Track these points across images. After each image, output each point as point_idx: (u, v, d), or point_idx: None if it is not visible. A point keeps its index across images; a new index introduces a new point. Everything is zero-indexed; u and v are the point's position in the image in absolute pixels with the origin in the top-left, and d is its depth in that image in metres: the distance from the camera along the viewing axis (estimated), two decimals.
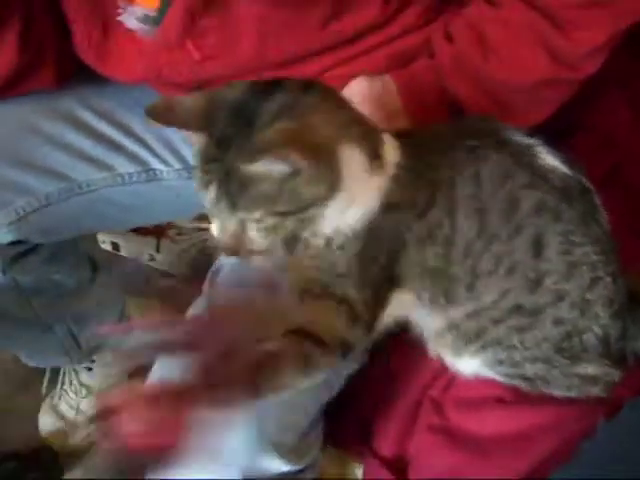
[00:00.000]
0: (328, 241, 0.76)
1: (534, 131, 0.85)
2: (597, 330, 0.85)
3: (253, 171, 0.69)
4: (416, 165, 0.78)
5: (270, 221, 0.71)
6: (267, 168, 0.68)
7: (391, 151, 0.77)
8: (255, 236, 0.73)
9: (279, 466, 0.83)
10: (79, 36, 1.01)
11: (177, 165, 1.14)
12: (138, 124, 1.13)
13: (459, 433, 0.96)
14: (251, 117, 0.70)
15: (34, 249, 1.18)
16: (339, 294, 0.76)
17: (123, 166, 1.11)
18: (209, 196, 0.71)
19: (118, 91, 1.12)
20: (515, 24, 0.91)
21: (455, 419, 0.97)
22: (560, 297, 0.82)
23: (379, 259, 0.77)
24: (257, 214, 0.71)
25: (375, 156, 0.75)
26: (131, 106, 1.13)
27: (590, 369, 0.87)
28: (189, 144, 1.13)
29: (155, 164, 1.13)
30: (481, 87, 0.93)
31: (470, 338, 0.85)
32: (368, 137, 0.75)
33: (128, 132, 1.12)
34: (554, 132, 0.87)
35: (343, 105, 0.76)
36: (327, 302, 0.76)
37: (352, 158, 0.73)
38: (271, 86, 0.73)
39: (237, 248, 0.73)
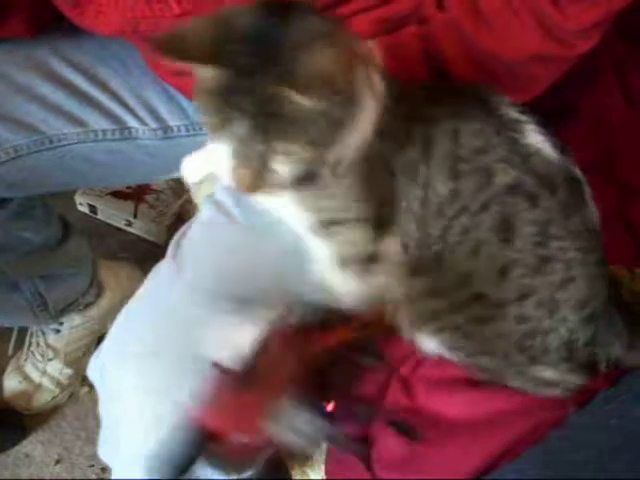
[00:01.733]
0: (333, 168, 0.72)
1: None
2: (563, 333, 0.81)
3: (300, 100, 0.63)
4: (399, 101, 0.74)
5: (303, 152, 0.66)
6: (318, 97, 0.63)
7: (380, 82, 0.73)
8: (280, 169, 0.68)
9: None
10: None
11: (154, 124, 1.11)
12: (115, 80, 1.10)
13: (427, 414, 0.94)
14: (274, 44, 0.64)
15: (1, 204, 1.14)
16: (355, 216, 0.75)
17: (97, 122, 1.08)
18: (234, 131, 0.65)
19: (96, 45, 1.09)
20: None
21: (423, 399, 0.94)
22: (526, 294, 0.78)
23: (378, 188, 0.75)
24: (294, 146, 0.66)
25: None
26: (108, 61, 1.10)
27: (547, 373, 0.84)
28: (165, 102, 1.10)
29: (131, 122, 1.10)
30: (471, 58, 0.90)
31: (427, 318, 0.82)
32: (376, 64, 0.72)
33: (104, 88, 1.09)
34: (545, 113, 0.85)
35: (352, 34, 0.72)
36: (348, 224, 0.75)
37: (371, 84, 0.69)
38: (282, 10, 0.67)
39: (256, 185, 0.68)
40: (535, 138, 0.78)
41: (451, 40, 0.89)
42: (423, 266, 0.79)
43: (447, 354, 0.87)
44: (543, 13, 0.87)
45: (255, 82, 0.64)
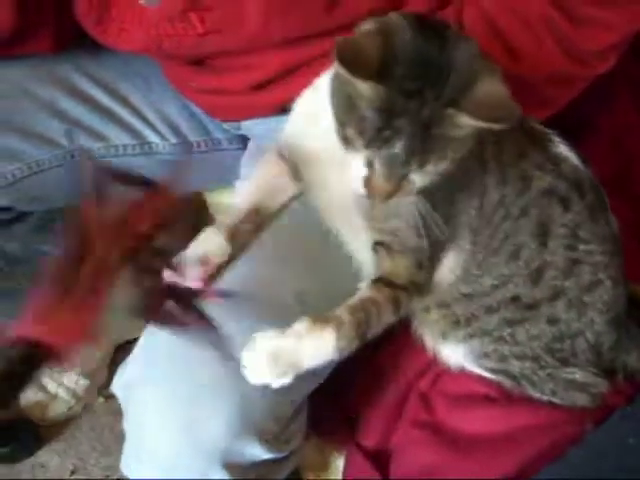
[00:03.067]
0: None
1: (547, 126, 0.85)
2: (589, 336, 0.83)
3: (467, 121, 0.66)
4: None
5: (446, 167, 0.69)
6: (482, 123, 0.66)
7: None
8: (418, 180, 0.70)
9: (260, 453, 0.81)
10: (80, 1, 0.98)
11: (174, 139, 1.12)
12: (136, 95, 1.11)
13: (445, 429, 0.95)
14: (438, 69, 0.66)
15: (21, 217, 1.16)
16: (406, 246, 0.78)
17: (118, 137, 1.10)
18: (390, 150, 0.67)
19: (117, 61, 1.10)
20: (530, 16, 0.89)
21: (442, 415, 0.95)
22: (557, 294, 0.81)
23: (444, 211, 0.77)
24: (444, 162, 0.69)
25: None
26: (130, 77, 1.12)
27: (578, 375, 0.86)
28: (186, 118, 1.12)
29: (151, 137, 1.11)
30: None
31: (459, 321, 0.84)
32: None
33: (125, 103, 1.11)
34: (564, 130, 0.86)
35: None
36: (405, 254, 0.78)
37: None
38: (438, 32, 0.69)
39: (393, 195, 0.71)
40: (562, 148, 0.82)
41: None
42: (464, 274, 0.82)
43: (472, 364, 0.89)
44: (563, 35, 0.88)
45: (421, 104, 0.65)
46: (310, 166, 0.83)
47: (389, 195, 0.70)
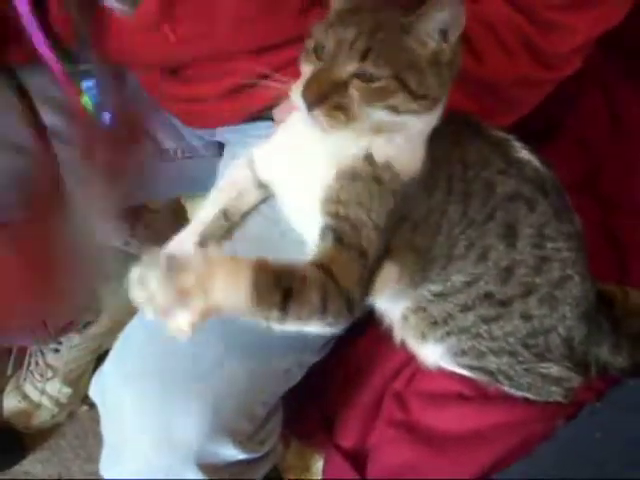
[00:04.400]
0: (382, 170, 0.75)
1: (512, 130, 0.86)
2: (562, 331, 0.86)
3: (414, 30, 0.69)
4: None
5: (386, 84, 0.70)
6: (429, 33, 0.69)
7: None
8: (354, 96, 0.70)
9: (235, 454, 0.82)
10: (55, 12, 0.99)
11: (150, 147, 1.13)
12: None
13: (421, 428, 0.96)
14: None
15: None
16: (361, 244, 0.74)
17: None
18: (343, 34, 0.70)
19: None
20: (495, 21, 0.91)
21: (417, 414, 0.97)
22: (529, 291, 0.83)
23: (394, 220, 0.77)
24: (384, 70, 0.69)
25: None
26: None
27: (553, 370, 0.88)
28: (161, 126, 1.13)
29: None
30: (458, 84, 0.93)
31: (436, 322, 0.86)
32: None
33: None
34: (531, 133, 0.88)
35: None
36: (351, 252, 0.74)
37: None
38: None
39: (323, 99, 0.70)
40: (523, 152, 0.83)
41: None
42: (429, 276, 0.83)
43: (451, 362, 0.90)
44: (527, 39, 0.90)
45: (380, 11, 0.72)
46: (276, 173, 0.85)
47: (317, 97, 0.70)
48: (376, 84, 0.70)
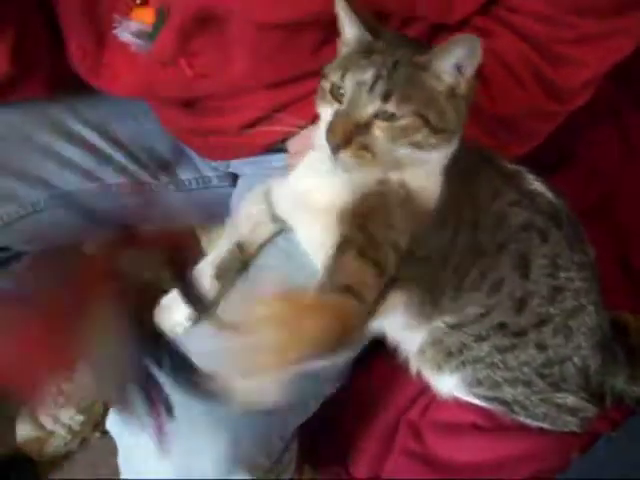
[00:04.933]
0: (408, 196, 0.76)
1: (524, 160, 0.87)
2: (576, 360, 0.86)
3: (431, 67, 0.71)
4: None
5: (409, 122, 0.72)
6: (446, 69, 0.71)
7: None
8: (379, 136, 0.72)
9: None
10: (73, 47, 1.01)
11: (165, 178, 1.14)
12: (128, 136, 1.14)
13: (435, 458, 0.97)
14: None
15: (17, 256, 1.17)
16: (379, 258, 0.74)
17: (111, 177, 1.11)
18: (362, 77, 0.72)
19: (109, 103, 1.12)
20: (508, 55, 0.93)
21: (432, 444, 0.97)
22: (543, 321, 0.83)
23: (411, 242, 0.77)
24: (405, 109, 0.71)
25: None
26: (122, 118, 1.14)
27: (569, 400, 0.88)
28: (177, 157, 1.14)
29: (143, 176, 1.13)
30: (472, 117, 0.94)
31: (451, 352, 0.86)
32: None
33: (117, 144, 1.13)
34: (543, 162, 0.89)
35: None
36: (362, 263, 0.74)
37: None
38: None
39: (348, 141, 0.72)
40: (535, 184, 0.84)
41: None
42: (441, 306, 0.83)
43: (466, 393, 0.90)
44: (539, 73, 0.91)
45: (397, 50, 0.73)
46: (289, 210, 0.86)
47: (341, 142, 0.71)
48: (399, 122, 0.72)
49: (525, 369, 0.85)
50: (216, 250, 0.88)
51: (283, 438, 0.87)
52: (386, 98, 0.71)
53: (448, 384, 0.91)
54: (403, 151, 0.73)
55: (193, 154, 1.15)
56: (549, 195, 0.84)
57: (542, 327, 0.84)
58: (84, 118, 1.13)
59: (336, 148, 0.72)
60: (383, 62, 0.72)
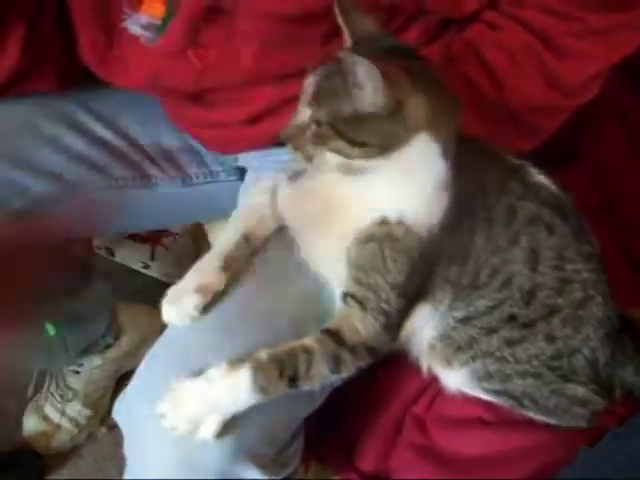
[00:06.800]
0: (396, 228, 0.77)
1: (530, 157, 0.87)
2: (586, 352, 0.86)
3: (350, 67, 0.71)
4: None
5: (323, 131, 0.74)
6: (359, 70, 0.70)
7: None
8: (307, 138, 0.75)
9: (257, 476, 0.82)
10: (83, 40, 1.01)
11: (172, 172, 1.15)
12: (136, 129, 1.14)
13: (441, 453, 0.96)
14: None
15: None
16: (382, 307, 0.79)
17: (118, 170, 1.12)
18: (308, 80, 0.77)
19: (118, 96, 1.13)
20: (515, 48, 0.93)
21: (438, 438, 0.97)
22: (552, 312, 0.84)
23: (421, 269, 0.79)
24: (323, 112, 0.73)
25: None
26: (130, 111, 1.15)
27: (579, 391, 0.87)
28: (184, 151, 1.15)
29: (150, 170, 1.14)
30: (477, 109, 0.94)
31: (461, 347, 0.86)
32: None
33: (125, 137, 1.13)
34: (549, 158, 0.89)
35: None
36: (374, 314, 0.79)
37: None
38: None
39: (294, 142, 0.77)
40: (539, 177, 0.84)
41: (458, 91, 0.93)
42: (456, 305, 0.84)
43: (474, 387, 0.90)
44: (546, 67, 0.91)
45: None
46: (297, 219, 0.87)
47: (289, 139, 0.77)
48: (318, 129, 0.74)
49: (534, 362, 0.85)
50: (221, 243, 0.88)
51: (289, 429, 0.87)
52: (311, 102, 0.75)
53: (457, 379, 0.91)
54: (328, 156, 0.75)
55: (201, 148, 1.16)
56: (553, 188, 0.84)
57: (551, 318, 0.84)
58: (93, 111, 1.13)
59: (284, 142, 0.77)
60: (326, 68, 0.75)
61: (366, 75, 0.70)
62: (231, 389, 0.76)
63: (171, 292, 0.85)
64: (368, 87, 0.70)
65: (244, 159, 1.13)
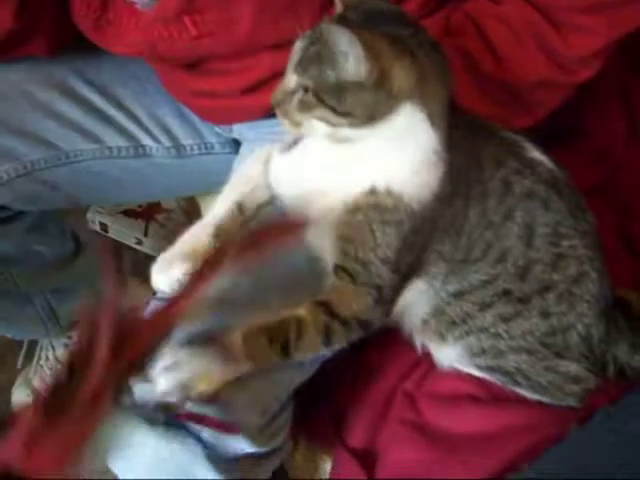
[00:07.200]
0: (384, 198, 0.76)
1: (531, 134, 0.86)
2: (580, 329, 0.85)
3: (330, 38, 0.70)
4: None
5: (306, 98, 0.73)
6: (339, 41, 0.69)
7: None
8: (294, 105, 0.74)
9: (244, 446, 0.82)
10: (78, 5, 1.00)
11: (167, 143, 1.14)
12: (131, 99, 1.13)
13: (431, 429, 0.96)
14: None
15: (17, 217, 1.17)
16: (374, 281, 0.78)
17: (112, 139, 1.11)
18: (296, 45, 0.76)
19: (114, 64, 1.12)
20: (515, 22, 0.92)
21: (428, 414, 0.96)
22: (547, 287, 0.83)
23: (413, 244, 0.78)
24: (308, 78, 0.72)
25: None
26: (126, 80, 1.14)
27: (572, 368, 0.87)
28: (179, 121, 1.14)
29: (145, 140, 1.13)
30: (476, 83, 0.93)
31: (455, 322, 0.85)
32: None
33: (120, 106, 1.12)
34: (548, 137, 0.88)
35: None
36: (366, 288, 0.79)
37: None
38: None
39: (282, 108, 0.76)
40: (535, 153, 0.83)
41: (457, 65, 0.92)
42: (449, 280, 0.83)
43: (467, 363, 0.90)
44: (546, 41, 0.90)
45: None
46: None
47: (277, 105, 0.76)
48: (303, 96, 0.73)
49: (529, 338, 0.85)
50: (214, 211, 0.87)
51: (278, 399, 0.87)
52: (296, 69, 0.74)
53: (450, 355, 0.91)
54: (313, 123, 0.74)
55: (196, 119, 1.15)
56: (549, 163, 0.83)
57: (546, 294, 0.83)
58: (87, 79, 1.12)
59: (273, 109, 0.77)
60: (313, 34, 0.74)
61: (347, 45, 0.68)
62: (222, 356, 0.75)
63: (160, 260, 0.84)
64: (350, 57, 0.69)
65: (239, 130, 1.12)
